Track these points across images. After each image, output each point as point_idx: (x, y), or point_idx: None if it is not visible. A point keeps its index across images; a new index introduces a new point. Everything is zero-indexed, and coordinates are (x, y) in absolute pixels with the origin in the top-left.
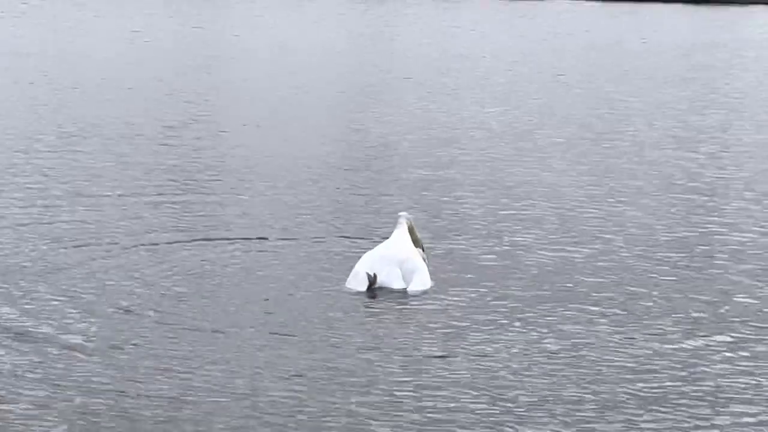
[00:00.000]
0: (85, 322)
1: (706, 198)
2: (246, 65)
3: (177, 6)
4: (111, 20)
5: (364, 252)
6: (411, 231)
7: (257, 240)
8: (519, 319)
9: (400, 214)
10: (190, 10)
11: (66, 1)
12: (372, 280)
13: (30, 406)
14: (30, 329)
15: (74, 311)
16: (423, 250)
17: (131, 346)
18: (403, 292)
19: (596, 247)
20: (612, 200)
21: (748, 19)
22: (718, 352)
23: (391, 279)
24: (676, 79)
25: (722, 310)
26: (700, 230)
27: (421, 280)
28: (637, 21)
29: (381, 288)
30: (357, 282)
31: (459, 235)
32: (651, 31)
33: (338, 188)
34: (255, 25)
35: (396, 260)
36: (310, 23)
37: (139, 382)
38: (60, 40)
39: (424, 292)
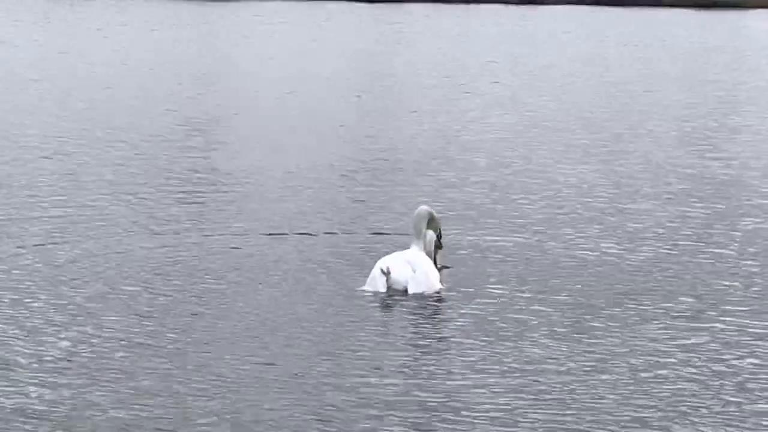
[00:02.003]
0: (99, 319)
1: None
2: (268, 70)
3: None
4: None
5: (381, 253)
6: (432, 219)
7: (279, 236)
8: (543, 323)
9: (421, 207)
10: (203, 18)
11: (84, 8)
12: (386, 273)
13: None
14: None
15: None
16: (440, 238)
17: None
18: (417, 294)
19: (618, 245)
20: (641, 200)
21: (757, 21)
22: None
23: (402, 278)
24: (694, 82)
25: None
26: (725, 228)
27: (428, 282)
28: (643, 24)
29: (392, 287)
30: (374, 284)
31: (474, 231)
32: (659, 33)
33: (359, 188)
34: (271, 31)
35: (409, 263)
36: (323, 29)
37: (149, 375)
38: (89, 45)
39: (435, 294)
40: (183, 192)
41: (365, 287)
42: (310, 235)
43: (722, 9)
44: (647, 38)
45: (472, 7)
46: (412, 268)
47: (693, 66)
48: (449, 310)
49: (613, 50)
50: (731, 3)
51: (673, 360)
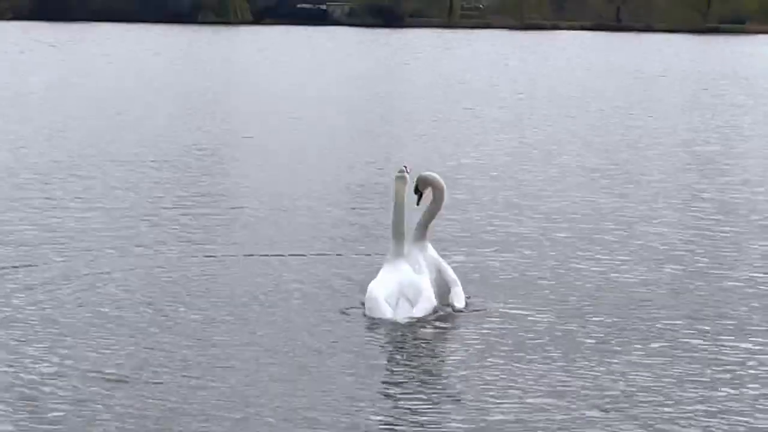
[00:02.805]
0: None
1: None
2: (273, 94)
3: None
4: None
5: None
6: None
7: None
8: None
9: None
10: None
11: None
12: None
13: None
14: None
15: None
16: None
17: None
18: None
19: (619, 263)
20: (653, 222)
21: (757, 46)
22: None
23: (404, 305)
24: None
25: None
26: (737, 250)
27: (427, 303)
28: (644, 48)
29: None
30: (378, 311)
31: (477, 250)
32: (661, 58)
33: (360, 212)
34: (277, 56)
35: (404, 286)
36: (328, 53)
37: (149, 393)
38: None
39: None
40: (186, 213)
41: (369, 313)
42: (323, 255)
43: (722, 34)
44: (649, 63)
45: (475, 32)
46: (410, 297)
47: (696, 91)
48: (462, 330)
49: (615, 75)
50: (732, 29)
51: (696, 380)
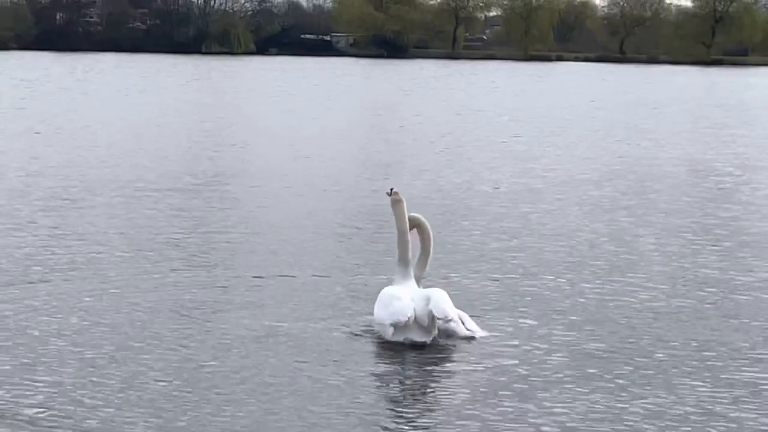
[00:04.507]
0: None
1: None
2: (281, 125)
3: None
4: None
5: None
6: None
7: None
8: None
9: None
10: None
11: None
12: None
13: None
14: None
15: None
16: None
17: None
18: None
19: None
20: (666, 249)
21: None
22: None
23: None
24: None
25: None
26: (749, 276)
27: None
28: (648, 80)
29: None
30: (402, 309)
31: (478, 270)
32: (667, 89)
33: (364, 240)
34: (284, 86)
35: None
36: (336, 83)
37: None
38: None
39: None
40: (188, 238)
41: (389, 312)
42: (320, 277)
43: (724, 66)
44: (655, 94)
45: (481, 63)
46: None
47: (703, 121)
48: (480, 356)
49: (622, 106)
50: (733, 61)
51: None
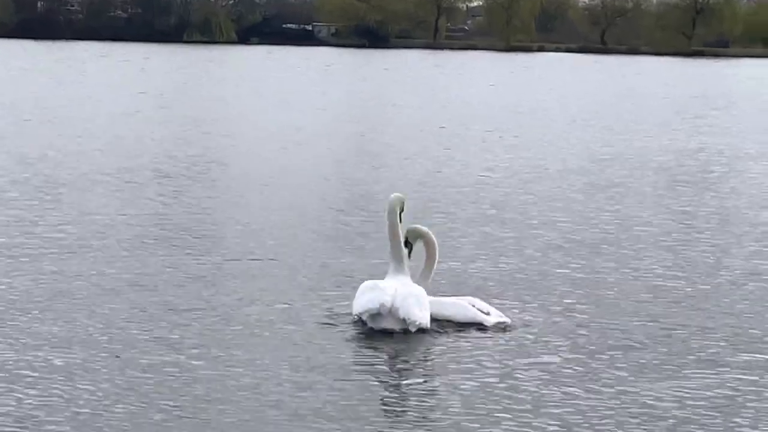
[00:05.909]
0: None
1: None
2: (269, 114)
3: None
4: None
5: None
6: (403, 210)
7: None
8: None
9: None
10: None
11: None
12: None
13: None
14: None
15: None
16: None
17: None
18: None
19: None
20: (660, 240)
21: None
22: None
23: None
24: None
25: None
26: (750, 268)
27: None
28: (633, 71)
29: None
30: (378, 294)
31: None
32: (649, 80)
33: (351, 231)
34: (272, 75)
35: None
36: (324, 73)
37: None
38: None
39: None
40: (174, 226)
41: (366, 298)
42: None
43: (705, 57)
44: (640, 85)
45: (469, 53)
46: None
47: (689, 111)
48: (456, 343)
49: (609, 97)
50: (714, 52)
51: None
